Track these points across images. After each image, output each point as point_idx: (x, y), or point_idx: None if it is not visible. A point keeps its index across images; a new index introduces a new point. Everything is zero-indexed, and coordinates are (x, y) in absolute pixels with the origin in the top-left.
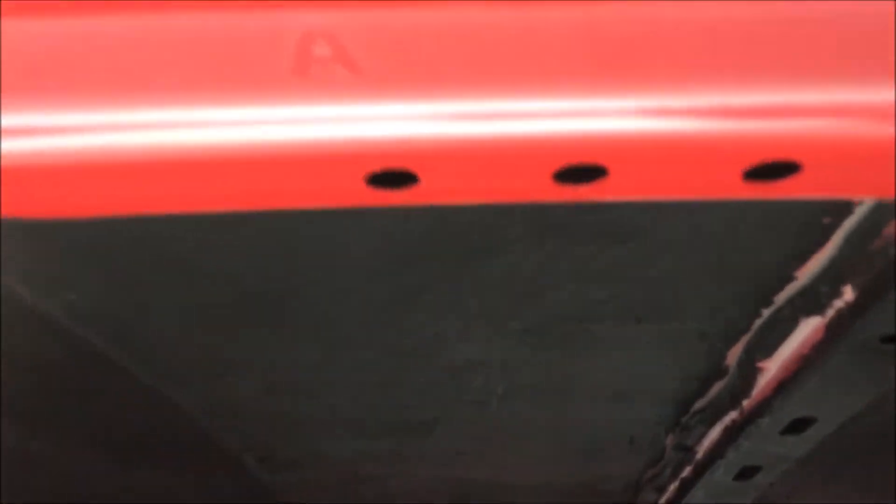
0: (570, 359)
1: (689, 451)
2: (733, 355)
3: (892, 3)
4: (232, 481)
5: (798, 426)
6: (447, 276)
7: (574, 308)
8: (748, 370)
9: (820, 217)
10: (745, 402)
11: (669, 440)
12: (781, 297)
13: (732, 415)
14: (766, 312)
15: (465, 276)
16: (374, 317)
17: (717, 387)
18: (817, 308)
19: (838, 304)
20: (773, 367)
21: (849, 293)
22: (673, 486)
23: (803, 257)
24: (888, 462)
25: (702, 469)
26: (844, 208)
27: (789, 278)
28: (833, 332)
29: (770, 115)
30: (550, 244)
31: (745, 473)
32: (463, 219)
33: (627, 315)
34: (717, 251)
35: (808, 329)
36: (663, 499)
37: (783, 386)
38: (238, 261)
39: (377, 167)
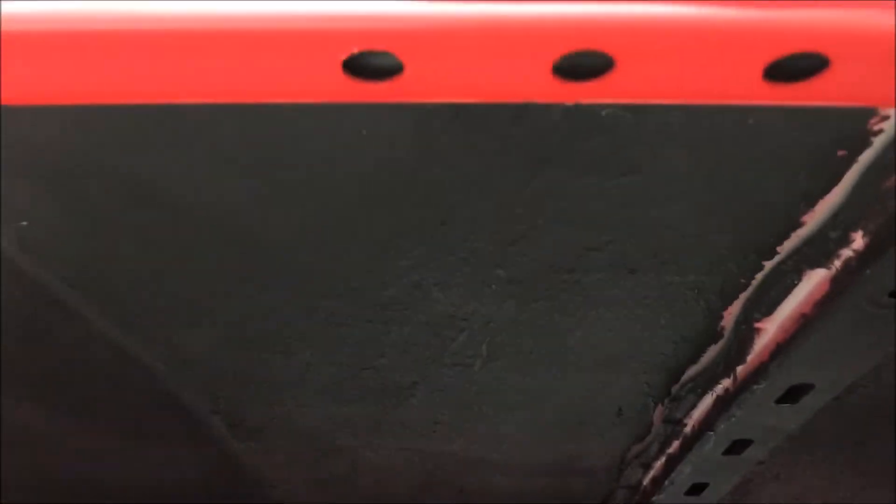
0: (559, 317)
1: (678, 423)
2: (730, 316)
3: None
4: (198, 448)
5: (794, 394)
6: (429, 215)
7: (564, 256)
8: (745, 331)
9: (833, 149)
10: (740, 369)
11: (658, 412)
12: (786, 247)
13: (725, 383)
14: (769, 265)
15: (449, 215)
16: (350, 261)
17: (712, 352)
18: (823, 259)
19: (846, 253)
20: (771, 328)
21: (858, 241)
22: (659, 463)
23: (812, 199)
24: (885, 440)
25: (690, 443)
26: (861, 139)
27: (796, 224)
28: (838, 286)
29: (796, 3)
30: (543, 177)
31: (736, 448)
32: (449, 143)
33: (621, 265)
34: (719, 190)
35: (811, 284)
36: (648, 477)
37: (781, 349)
38: (206, 191)
39: (356, 49)
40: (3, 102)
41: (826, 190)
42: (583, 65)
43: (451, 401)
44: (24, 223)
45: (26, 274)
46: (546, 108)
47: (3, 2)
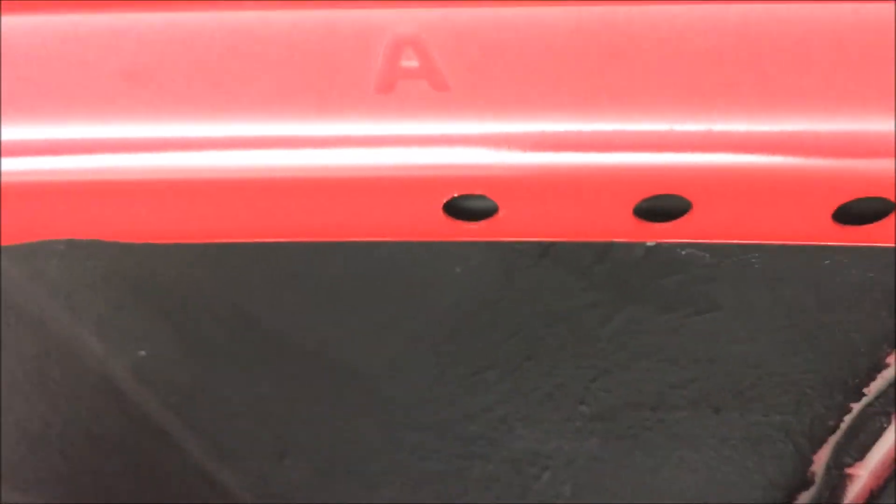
0: (642, 457)
1: None
2: (820, 461)
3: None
4: None
5: None
6: (515, 350)
7: (647, 392)
8: (836, 477)
9: None
10: None
11: None
12: (873, 389)
13: None
14: (856, 407)
15: (534, 350)
16: (438, 394)
17: (803, 499)
18: None
19: None
20: (863, 475)
21: None
22: None
23: (892, 345)
24: None
25: None
26: None
27: (880, 365)
28: None
29: (861, 153)
30: (625, 313)
31: None
32: (537, 280)
33: (705, 403)
34: (801, 329)
35: None
36: None
37: (875, 496)
38: (304, 325)
39: (457, 193)
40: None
41: None
42: (662, 208)
43: None
44: (143, 353)
45: (136, 404)
46: (628, 248)
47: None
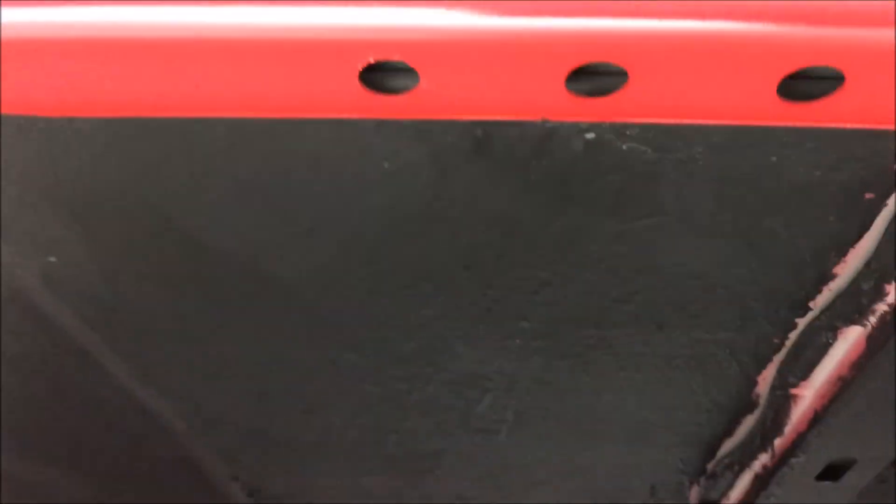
0: (586, 377)
1: None
2: (765, 381)
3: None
4: None
5: (835, 470)
6: (452, 258)
7: (590, 307)
8: (781, 398)
9: (861, 192)
10: (778, 441)
11: (694, 492)
12: (819, 302)
13: (763, 458)
14: (802, 322)
15: (472, 259)
16: (373, 309)
17: (748, 422)
18: (858, 314)
19: (881, 308)
20: (808, 395)
21: (893, 293)
22: None
23: (842, 248)
24: None
25: None
26: (888, 181)
27: (827, 276)
28: (875, 344)
29: (811, 21)
30: (566, 217)
31: None
32: (471, 178)
33: (648, 318)
34: (745, 237)
35: (846, 343)
36: None
37: (819, 418)
38: (226, 229)
39: (372, 58)
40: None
41: (856, 238)
42: (597, 83)
43: (477, 474)
44: (52, 259)
45: (50, 318)
46: (566, 142)
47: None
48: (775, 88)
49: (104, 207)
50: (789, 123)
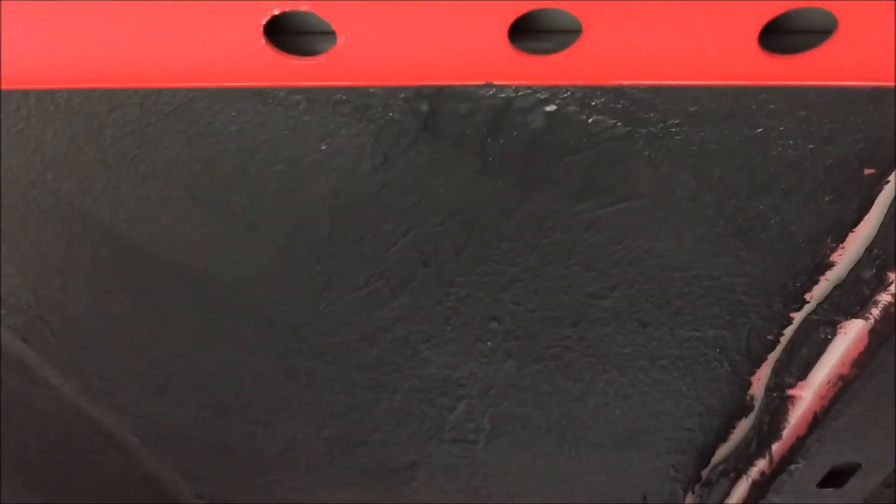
0: (566, 383)
1: None
2: (759, 381)
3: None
4: None
5: (839, 476)
6: (408, 253)
7: (565, 304)
8: (777, 400)
9: (859, 167)
10: (776, 446)
11: (688, 501)
12: (815, 293)
13: (760, 464)
14: (797, 317)
15: (430, 254)
16: (328, 311)
17: (742, 426)
18: (859, 306)
19: (884, 298)
20: (806, 396)
21: None
22: None
23: (840, 232)
24: None
25: None
26: (890, 154)
27: (824, 264)
28: (878, 339)
29: None
30: (531, 202)
31: None
32: (419, 161)
33: (630, 316)
34: (732, 221)
35: (847, 339)
36: None
37: (819, 420)
38: (160, 229)
39: (274, 9)
40: None
41: (855, 220)
42: (548, 40)
43: (455, 486)
44: None
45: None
46: (523, 116)
47: None
48: (756, 38)
49: (16, 205)
50: (774, 81)
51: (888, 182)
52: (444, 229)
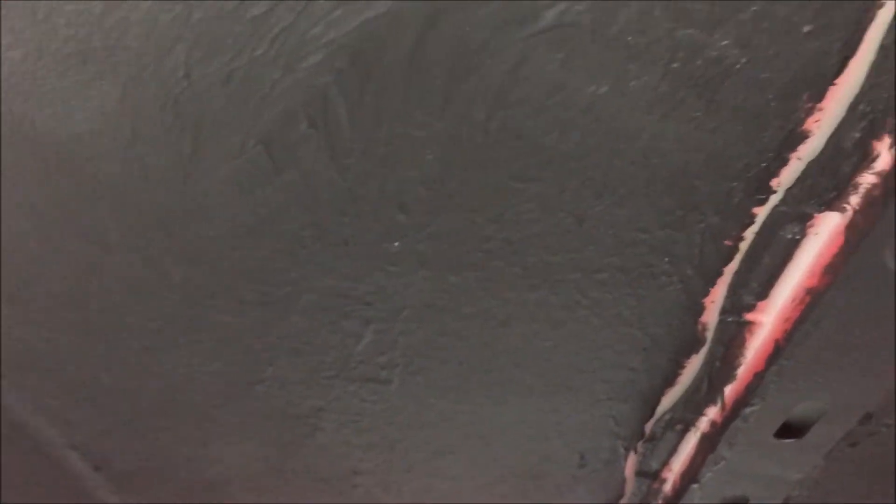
0: (489, 302)
1: (656, 478)
2: (713, 305)
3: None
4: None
5: (799, 425)
6: (282, 148)
7: (485, 187)
8: (733, 328)
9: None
10: (729, 389)
11: (630, 461)
12: (783, 178)
13: (711, 412)
14: (761, 213)
15: (305, 112)
16: (197, 193)
17: (692, 365)
18: (835, 192)
19: (868, 179)
20: (767, 320)
21: (885, 154)
22: None
23: (820, 86)
24: None
25: None
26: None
27: (796, 134)
28: (857, 235)
29: None
30: (443, 25)
31: None
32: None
33: (563, 208)
34: (682, 70)
35: (819, 240)
36: None
37: (780, 349)
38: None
39: None
40: None
41: (838, 66)
42: None
43: (368, 438)
44: None
45: None
46: None
47: None
48: None
49: None
50: None
51: (882, 6)
52: (333, 78)
